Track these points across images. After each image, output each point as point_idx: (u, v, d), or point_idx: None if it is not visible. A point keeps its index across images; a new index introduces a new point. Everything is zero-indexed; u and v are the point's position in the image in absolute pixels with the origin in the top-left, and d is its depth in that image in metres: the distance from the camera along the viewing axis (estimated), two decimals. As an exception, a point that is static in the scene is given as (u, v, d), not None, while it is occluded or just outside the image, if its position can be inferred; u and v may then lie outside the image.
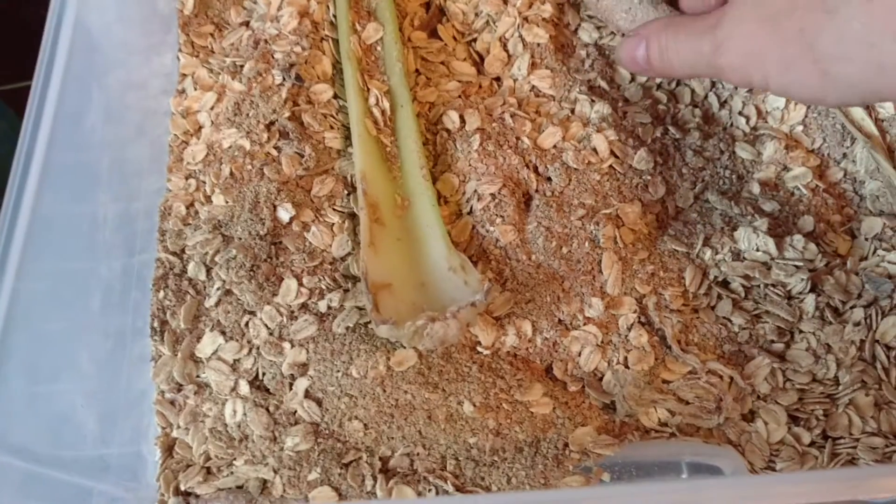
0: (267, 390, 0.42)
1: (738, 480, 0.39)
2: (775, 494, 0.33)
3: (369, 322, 0.41)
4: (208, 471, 0.41)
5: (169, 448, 0.42)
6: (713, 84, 0.52)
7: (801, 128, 0.51)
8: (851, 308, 0.45)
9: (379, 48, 0.48)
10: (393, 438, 0.40)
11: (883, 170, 0.48)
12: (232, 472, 0.41)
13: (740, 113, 0.51)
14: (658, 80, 0.51)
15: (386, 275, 0.41)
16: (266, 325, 0.42)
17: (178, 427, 0.42)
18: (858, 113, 0.50)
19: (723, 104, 0.51)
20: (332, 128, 0.47)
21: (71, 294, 0.41)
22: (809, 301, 0.44)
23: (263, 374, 0.42)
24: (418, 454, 0.40)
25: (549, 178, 0.45)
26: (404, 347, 0.41)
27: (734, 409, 0.42)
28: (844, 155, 0.50)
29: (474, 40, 0.50)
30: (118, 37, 0.46)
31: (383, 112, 0.46)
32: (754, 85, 0.37)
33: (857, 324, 0.44)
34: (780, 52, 0.35)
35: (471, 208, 0.44)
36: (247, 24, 0.51)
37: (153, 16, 0.50)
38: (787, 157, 0.49)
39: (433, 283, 0.41)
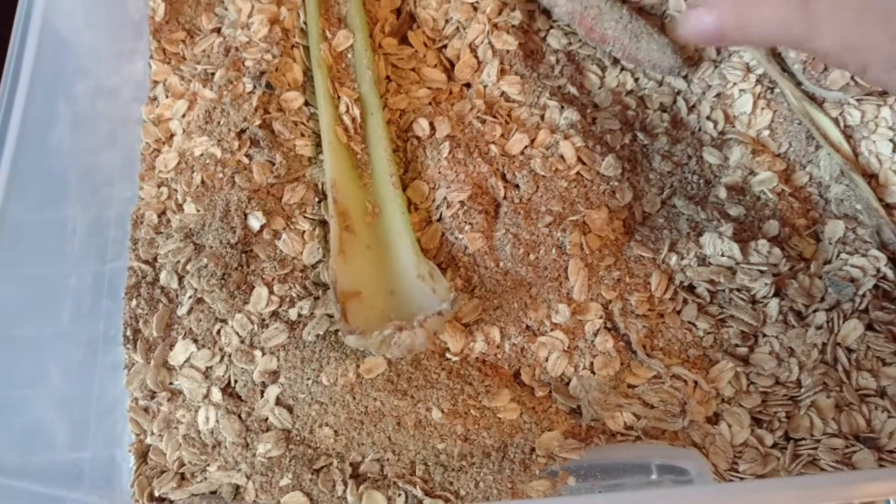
0: (239, 397, 0.42)
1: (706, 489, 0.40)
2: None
3: (339, 330, 0.42)
4: (182, 477, 0.42)
5: (143, 455, 0.43)
6: (679, 91, 0.52)
7: (767, 132, 0.52)
8: (814, 312, 0.46)
9: (349, 55, 0.49)
10: (363, 444, 0.41)
11: (847, 174, 0.49)
12: (205, 478, 0.42)
13: (708, 118, 0.52)
14: (628, 87, 0.52)
15: (355, 283, 0.42)
16: (237, 333, 0.43)
17: (152, 434, 0.43)
18: (825, 120, 0.51)
19: (691, 108, 0.52)
20: (302, 135, 0.47)
21: (41, 301, 0.41)
22: (773, 305, 0.45)
23: (235, 381, 0.43)
24: (388, 460, 0.40)
25: (517, 186, 0.46)
26: (374, 355, 0.41)
27: (698, 412, 0.43)
28: (810, 160, 0.51)
29: (445, 47, 0.51)
30: (88, 44, 0.46)
31: (354, 119, 0.46)
32: (849, 70, 0.35)
33: (820, 327, 0.45)
34: (887, 50, 0.32)
35: (440, 215, 0.45)
36: (218, 30, 0.51)
37: (124, 22, 0.50)
38: (753, 161, 0.50)
39: (402, 290, 0.42)
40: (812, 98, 0.52)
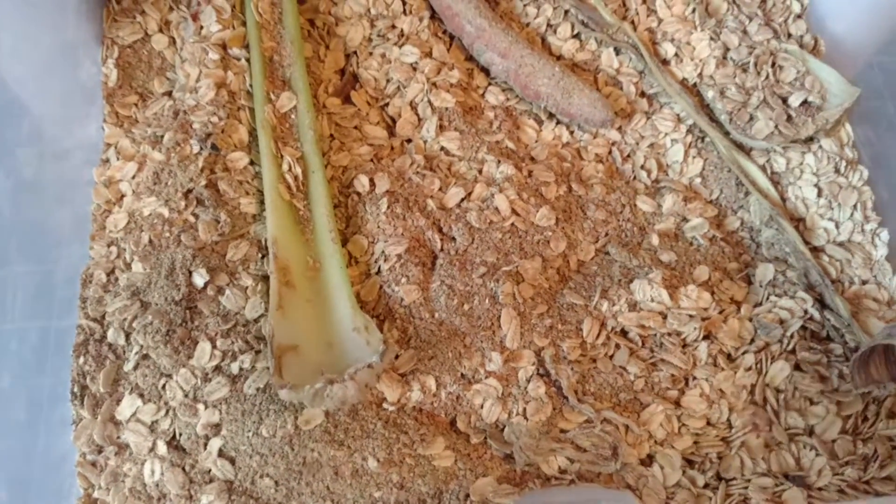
0: (183, 450, 0.44)
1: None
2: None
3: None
4: (129, 530, 0.43)
5: (91, 509, 0.44)
6: (614, 142, 0.54)
7: (699, 180, 0.54)
8: (743, 354, 0.47)
9: (293, 116, 0.51)
10: (303, 494, 0.42)
11: (775, 219, 0.51)
12: (151, 531, 0.43)
13: (642, 167, 0.54)
14: (564, 139, 0.54)
15: (294, 336, 0.43)
16: (181, 388, 0.44)
17: (100, 488, 0.44)
18: (753, 168, 0.53)
19: (626, 158, 0.54)
20: (247, 193, 0.49)
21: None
22: (702, 348, 0.47)
23: (180, 434, 0.44)
24: (327, 509, 0.42)
25: (453, 238, 0.48)
26: (311, 407, 0.42)
27: (631, 455, 0.44)
28: (741, 206, 0.53)
29: (387, 105, 0.53)
30: (39, 109, 0.48)
31: (296, 178, 0.48)
32: None
33: (749, 369, 0.47)
34: None
35: (378, 268, 0.47)
36: (169, 93, 0.53)
37: (76, 88, 0.51)
38: (685, 208, 0.52)
39: (339, 343, 0.43)
40: (740, 146, 0.54)
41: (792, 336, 0.48)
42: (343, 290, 0.45)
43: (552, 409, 0.44)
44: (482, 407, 0.44)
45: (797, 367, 0.47)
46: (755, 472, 0.45)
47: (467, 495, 0.42)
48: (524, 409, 0.44)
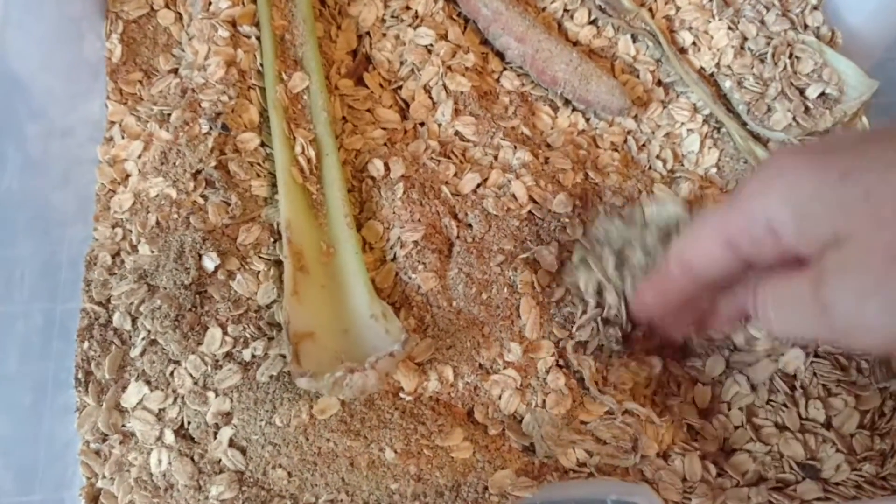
0: (192, 439, 0.42)
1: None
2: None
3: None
4: (134, 520, 0.42)
5: (94, 498, 0.42)
6: (630, 131, 0.54)
7: (714, 170, 0.53)
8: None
9: (305, 97, 0.49)
10: (317, 486, 0.41)
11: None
12: (157, 522, 0.41)
13: (658, 156, 0.53)
14: (580, 127, 0.53)
15: (309, 323, 0.42)
16: (191, 375, 0.43)
17: (104, 477, 0.42)
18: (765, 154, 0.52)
19: (641, 147, 0.53)
20: (258, 176, 0.48)
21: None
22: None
23: (188, 423, 0.42)
24: (342, 501, 0.40)
25: (469, 225, 0.47)
26: (326, 396, 0.41)
27: (650, 448, 0.44)
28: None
29: (400, 88, 0.52)
30: (43, 84, 0.46)
31: (309, 160, 0.47)
32: None
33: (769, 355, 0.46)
34: None
35: (394, 255, 0.45)
36: (175, 71, 0.51)
37: (80, 63, 0.50)
38: (701, 197, 0.51)
39: (356, 330, 0.42)
40: (757, 137, 0.53)
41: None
42: (359, 276, 0.43)
43: (572, 402, 0.43)
44: (500, 398, 0.43)
45: (816, 356, 0.47)
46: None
47: (486, 487, 0.41)
48: (543, 401, 0.43)
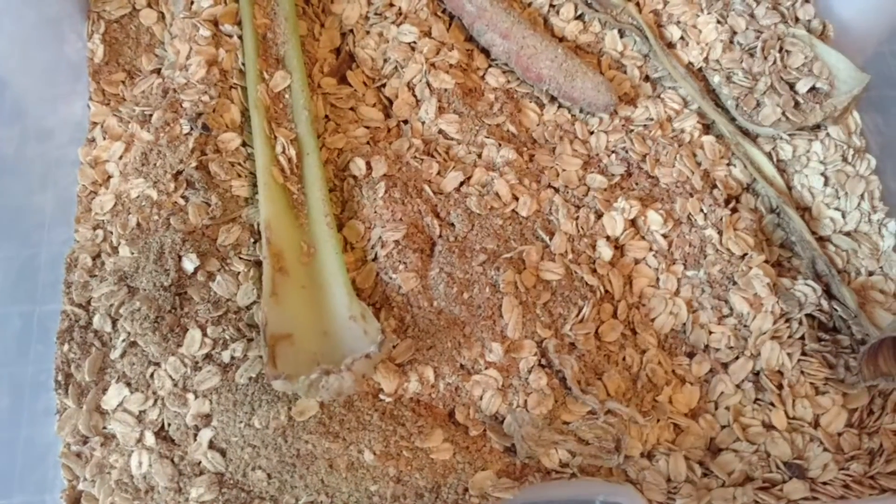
0: (172, 441, 0.42)
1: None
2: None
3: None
4: (115, 523, 0.41)
5: (75, 501, 0.42)
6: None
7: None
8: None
9: (287, 96, 0.49)
10: (296, 487, 0.40)
11: (780, 207, 0.50)
12: (138, 524, 0.41)
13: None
14: (574, 124, 0.53)
15: (288, 324, 0.42)
16: (170, 376, 0.42)
17: (85, 479, 0.42)
18: (759, 155, 0.52)
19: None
20: (239, 176, 0.47)
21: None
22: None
23: (168, 424, 0.42)
24: (321, 502, 0.40)
25: (452, 224, 0.46)
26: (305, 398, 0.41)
27: (634, 448, 0.43)
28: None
29: (384, 85, 0.51)
30: (21, 86, 0.46)
31: (290, 160, 0.47)
32: None
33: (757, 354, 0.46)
34: None
35: (375, 255, 0.45)
36: (158, 71, 0.51)
37: (61, 64, 0.49)
38: (689, 195, 0.51)
39: (335, 331, 0.42)
40: (746, 133, 0.53)
41: (801, 322, 0.47)
42: (339, 276, 0.43)
43: (554, 402, 0.43)
44: (481, 398, 0.43)
45: (804, 354, 0.46)
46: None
47: (466, 489, 0.41)
48: (525, 402, 0.42)
